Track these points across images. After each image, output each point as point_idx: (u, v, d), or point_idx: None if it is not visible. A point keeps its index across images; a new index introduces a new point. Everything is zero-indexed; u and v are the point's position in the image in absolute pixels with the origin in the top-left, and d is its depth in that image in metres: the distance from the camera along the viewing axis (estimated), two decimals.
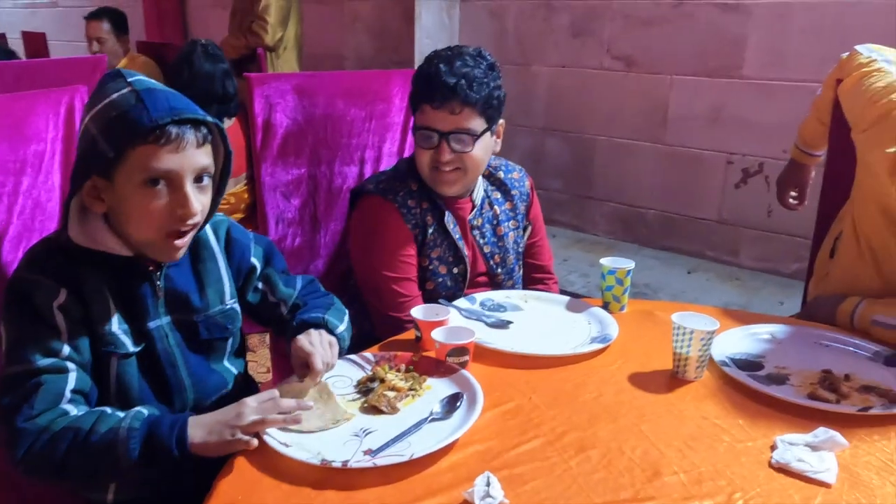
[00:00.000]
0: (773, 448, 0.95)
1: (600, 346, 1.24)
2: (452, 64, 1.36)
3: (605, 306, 1.43)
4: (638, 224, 3.49)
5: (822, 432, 0.96)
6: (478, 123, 1.38)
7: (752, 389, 1.09)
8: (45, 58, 4.25)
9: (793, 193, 1.82)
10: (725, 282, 3.09)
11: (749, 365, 1.19)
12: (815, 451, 0.93)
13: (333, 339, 1.09)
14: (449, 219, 1.48)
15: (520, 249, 1.62)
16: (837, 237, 1.53)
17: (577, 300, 1.47)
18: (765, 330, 1.31)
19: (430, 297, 1.46)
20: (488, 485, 0.83)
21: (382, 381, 1.08)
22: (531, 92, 3.68)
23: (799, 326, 1.33)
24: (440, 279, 1.48)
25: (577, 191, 3.67)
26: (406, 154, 1.76)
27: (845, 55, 1.55)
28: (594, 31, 3.41)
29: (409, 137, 1.75)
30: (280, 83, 1.61)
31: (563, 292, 1.61)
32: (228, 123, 2.63)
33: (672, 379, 1.15)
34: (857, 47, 1.53)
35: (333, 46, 4.18)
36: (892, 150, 1.31)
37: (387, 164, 1.75)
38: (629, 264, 1.42)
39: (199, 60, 2.57)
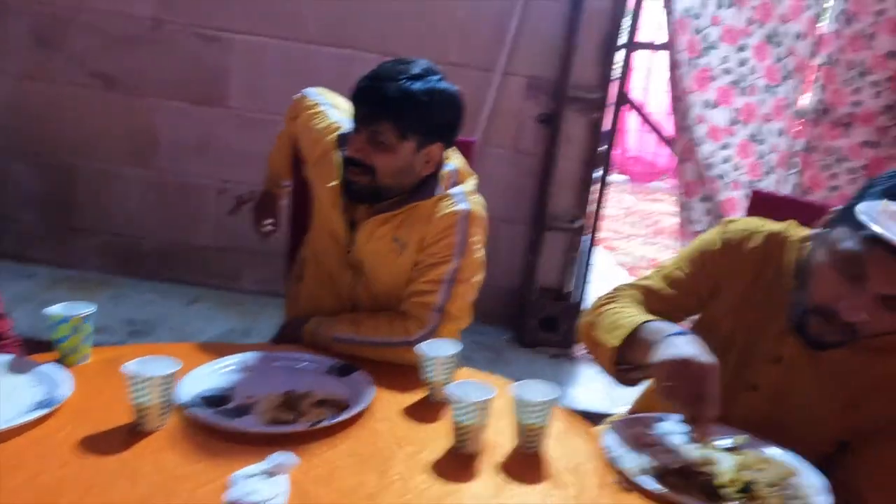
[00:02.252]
0: (229, 487, 0.94)
1: (44, 411, 1.05)
2: None
3: (62, 360, 1.23)
4: (134, 256, 3.25)
5: (275, 457, 0.98)
6: None
7: (214, 427, 1.07)
8: None
9: (269, 221, 1.92)
10: (228, 308, 3.11)
11: (218, 400, 1.17)
12: (270, 478, 0.95)
13: None
14: None
15: None
16: (303, 262, 1.65)
17: (23, 359, 1.23)
18: (236, 360, 1.32)
19: None
20: None
21: None
22: None
23: (268, 352, 1.38)
24: None
25: (57, 222, 3.21)
26: None
27: (297, 96, 1.70)
28: (64, 42, 3.03)
29: None
30: None
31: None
32: None
33: (131, 435, 1.04)
34: (305, 91, 1.69)
35: None
36: (332, 184, 1.48)
37: None
38: (85, 309, 1.26)
39: None
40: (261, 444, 1.04)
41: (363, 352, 1.39)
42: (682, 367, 1.01)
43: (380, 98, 1.34)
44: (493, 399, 1.10)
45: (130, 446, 1.01)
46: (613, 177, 7.91)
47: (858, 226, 1.04)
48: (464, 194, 1.46)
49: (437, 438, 1.13)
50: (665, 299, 1.31)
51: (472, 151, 1.81)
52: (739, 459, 1.11)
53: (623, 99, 3.24)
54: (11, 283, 2.98)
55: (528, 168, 3.19)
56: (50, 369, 1.19)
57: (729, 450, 1.15)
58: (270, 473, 0.96)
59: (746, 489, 1.03)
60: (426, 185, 1.45)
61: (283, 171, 1.83)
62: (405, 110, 1.35)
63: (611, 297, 1.32)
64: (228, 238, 3.18)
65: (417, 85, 1.35)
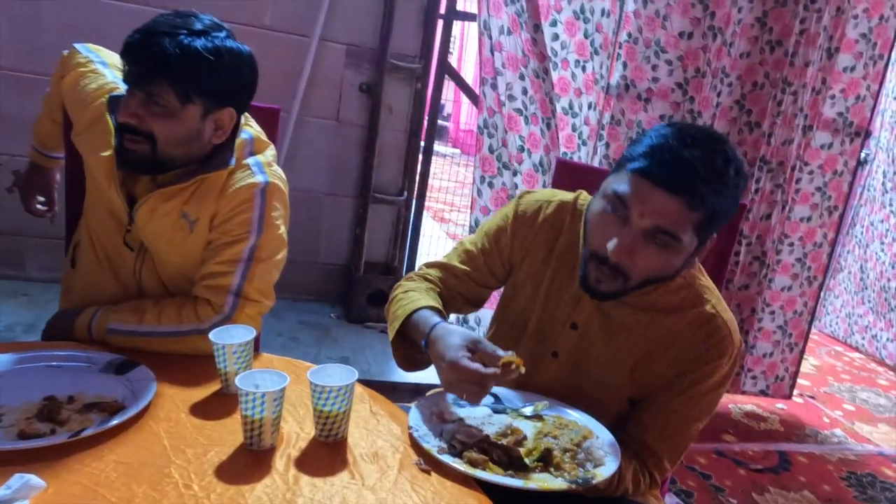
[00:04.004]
0: None
1: None
2: None
3: None
4: None
5: (17, 479, 0.83)
6: None
7: None
8: None
9: (41, 199, 1.66)
10: (12, 298, 2.72)
11: None
12: None
13: None
14: None
15: None
16: (76, 246, 1.44)
17: None
18: None
19: None
20: None
21: None
22: None
23: (28, 352, 1.18)
24: None
25: None
26: None
27: (66, 52, 1.46)
28: None
29: None
30: None
31: None
32: None
33: None
34: (77, 45, 1.46)
35: None
36: (106, 153, 1.29)
37: None
38: None
39: None
40: (9, 463, 0.88)
41: (148, 344, 1.23)
42: (453, 371, 1.07)
43: (155, 55, 1.16)
44: (284, 388, 1.01)
45: None
46: (446, 149, 8.03)
47: (624, 167, 1.10)
48: (261, 165, 1.34)
49: (227, 436, 1.03)
50: (461, 276, 1.35)
51: (275, 120, 1.68)
52: (539, 427, 1.12)
53: (445, 68, 3.23)
54: None
55: (351, 139, 3.09)
56: None
57: (531, 417, 1.16)
58: (7, 501, 0.81)
59: (543, 457, 1.04)
60: (218, 154, 1.30)
61: (51, 141, 1.58)
62: (187, 70, 1.19)
63: (407, 279, 1.36)
64: (8, 219, 2.76)
65: (200, 42, 1.19)
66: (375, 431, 1.10)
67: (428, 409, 1.15)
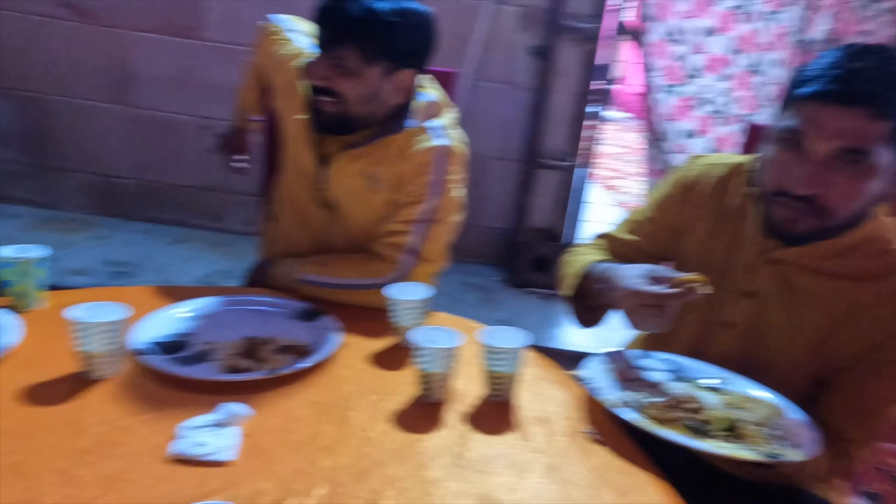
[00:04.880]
0: (175, 438, 0.89)
1: None
2: None
3: (14, 306, 1.18)
4: (117, 196, 3.17)
5: (227, 407, 0.94)
6: None
7: (165, 374, 1.02)
8: None
9: (239, 158, 1.83)
10: (213, 249, 3.06)
11: (174, 347, 1.12)
12: (219, 430, 0.91)
13: None
14: None
15: None
16: (274, 202, 1.58)
17: None
18: (198, 305, 1.26)
19: None
20: None
21: None
22: None
23: (233, 296, 1.32)
24: None
25: (37, 161, 3.12)
26: None
27: (262, 22, 1.59)
28: None
29: None
30: None
31: None
32: None
33: (78, 384, 0.99)
34: (270, 16, 1.58)
35: None
36: (299, 116, 1.39)
37: None
38: (36, 252, 1.19)
39: None
40: (215, 393, 1.00)
41: (332, 295, 1.33)
42: (631, 297, 1.04)
43: (342, 19, 1.23)
44: (458, 346, 1.04)
45: (76, 396, 0.97)
46: (616, 114, 7.72)
47: (790, 101, 1.02)
48: (442, 128, 1.37)
49: (402, 386, 1.09)
50: (628, 245, 1.32)
51: (453, 83, 1.71)
52: (725, 398, 1.06)
53: (622, 30, 3.08)
54: None
55: (520, 103, 3.07)
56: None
57: (713, 389, 1.11)
58: (221, 425, 0.92)
59: (731, 428, 0.99)
60: (398, 116, 1.36)
61: (250, 105, 1.73)
62: (370, 32, 1.24)
63: (575, 248, 1.36)
64: (211, 177, 3.09)
65: (384, 4, 1.24)
66: (544, 396, 1.11)
67: (606, 366, 1.13)
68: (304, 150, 1.40)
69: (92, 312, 1.00)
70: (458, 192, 1.38)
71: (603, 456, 0.97)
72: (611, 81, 3.17)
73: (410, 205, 1.34)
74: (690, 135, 2.54)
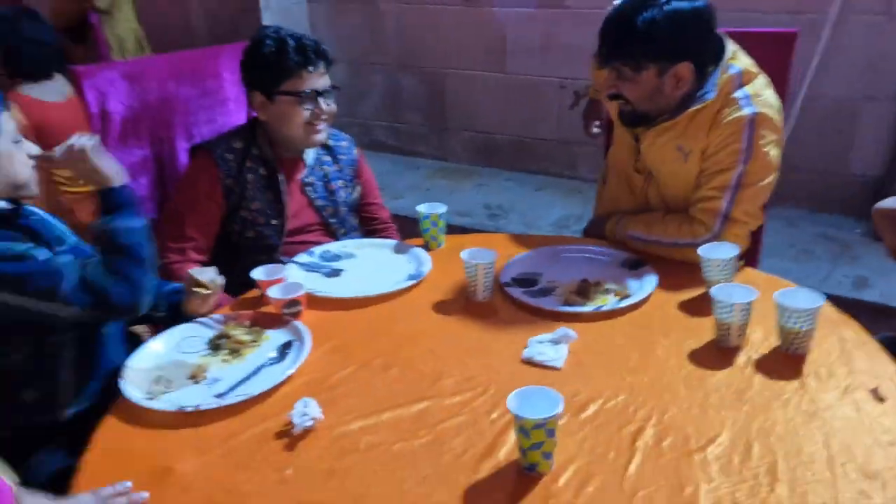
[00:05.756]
0: (525, 347, 1.28)
1: (413, 282, 1.53)
2: (297, 36, 1.62)
3: (425, 246, 1.71)
4: (493, 149, 3.80)
5: (561, 330, 1.29)
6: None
7: (521, 303, 1.42)
8: None
9: (596, 123, 2.14)
10: (568, 196, 3.47)
11: (527, 282, 1.51)
12: (555, 345, 1.27)
13: None
14: (281, 177, 1.71)
15: (349, 202, 1.86)
16: (606, 167, 1.87)
17: (402, 243, 1.74)
18: (549, 251, 1.63)
19: (252, 245, 1.71)
20: (305, 406, 1.10)
21: (229, 337, 1.32)
22: (381, 30, 3.82)
23: (574, 245, 1.67)
24: (259, 229, 1.72)
25: (434, 123, 3.90)
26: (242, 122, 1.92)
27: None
28: None
29: (244, 108, 1.92)
30: (109, 72, 1.73)
31: None
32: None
33: (468, 302, 1.45)
34: None
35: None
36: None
37: None
38: (441, 209, 1.69)
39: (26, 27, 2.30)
40: (555, 319, 1.36)
41: (653, 249, 1.58)
42: None
43: (605, 40, 1.48)
44: (752, 300, 1.21)
45: (466, 312, 1.42)
46: None
47: None
48: (749, 98, 1.47)
49: (704, 331, 1.30)
50: None
51: (792, 45, 1.74)
52: None
53: None
54: (404, 174, 3.80)
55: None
56: (418, 252, 1.67)
57: None
58: (556, 342, 1.28)
59: None
60: (690, 98, 1.50)
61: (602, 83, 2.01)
62: (628, 45, 1.45)
63: None
64: (567, 130, 3.48)
65: (641, 16, 1.41)
66: (835, 355, 1.21)
67: None
68: (623, 129, 1.66)
69: (474, 255, 1.44)
70: (770, 154, 1.47)
71: (886, 415, 1.06)
72: None
73: (722, 171, 1.49)
74: None
